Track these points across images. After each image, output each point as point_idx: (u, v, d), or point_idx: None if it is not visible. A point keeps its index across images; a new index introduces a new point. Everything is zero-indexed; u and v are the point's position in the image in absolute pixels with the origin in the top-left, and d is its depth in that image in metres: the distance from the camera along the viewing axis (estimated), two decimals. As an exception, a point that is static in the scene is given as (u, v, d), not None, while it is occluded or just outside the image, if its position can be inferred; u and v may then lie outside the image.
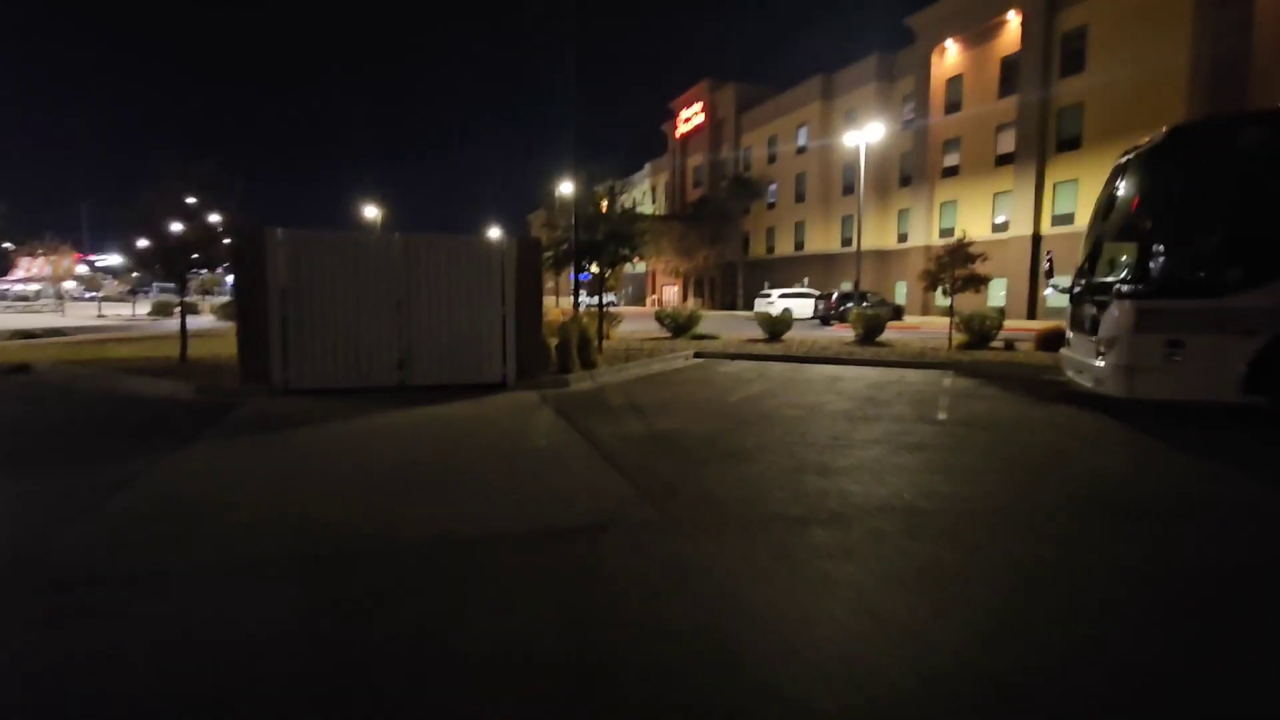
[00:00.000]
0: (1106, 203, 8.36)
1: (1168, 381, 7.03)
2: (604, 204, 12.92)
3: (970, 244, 14.01)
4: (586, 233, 12.70)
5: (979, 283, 13.72)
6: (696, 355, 13.90)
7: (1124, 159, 8.27)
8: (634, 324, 22.60)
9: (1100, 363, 7.49)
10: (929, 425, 7.00)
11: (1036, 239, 30.01)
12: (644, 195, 66.49)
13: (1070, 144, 29.14)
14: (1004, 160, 32.29)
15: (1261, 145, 6.82)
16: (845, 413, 7.64)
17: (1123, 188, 8.05)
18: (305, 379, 8.80)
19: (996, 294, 31.67)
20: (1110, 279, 7.63)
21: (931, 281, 14.22)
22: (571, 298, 18.17)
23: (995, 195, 32.83)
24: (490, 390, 9.16)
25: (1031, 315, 29.89)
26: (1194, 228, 7.01)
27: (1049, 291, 9.46)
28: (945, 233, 35.78)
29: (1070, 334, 8.88)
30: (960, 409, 7.95)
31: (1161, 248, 6.98)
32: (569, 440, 6.30)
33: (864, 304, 28.38)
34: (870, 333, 16.19)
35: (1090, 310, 8.13)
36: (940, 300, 35.56)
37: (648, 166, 69.25)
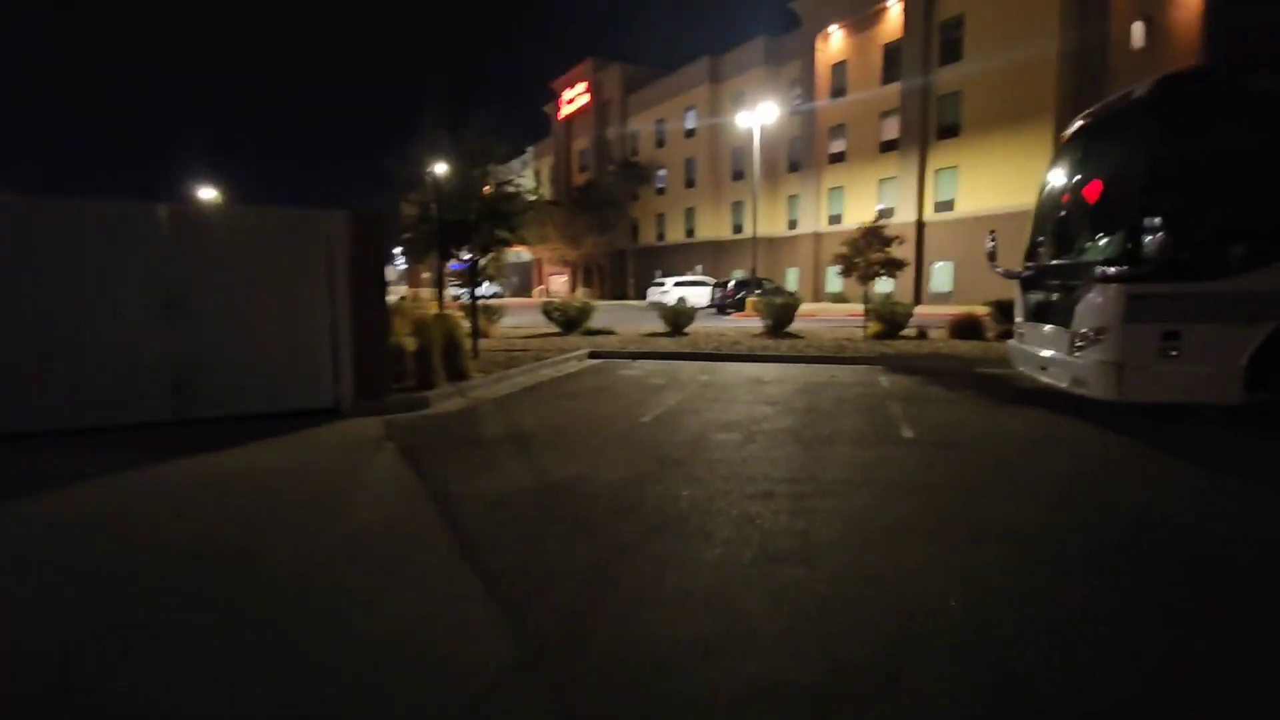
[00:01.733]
0: (1069, 172, 7.19)
1: (1162, 380, 5.86)
2: (484, 178, 10.53)
3: (884, 226, 13.00)
4: (456, 211, 10.28)
5: (896, 267, 12.72)
6: (592, 355, 11.90)
7: (1088, 120, 7.12)
8: (519, 317, 20.20)
9: (1078, 359, 6.25)
10: (900, 448, 5.42)
11: (920, 225, 30.50)
12: (528, 179, 63.35)
13: (950, 131, 29.75)
14: (889, 146, 32.64)
15: (1271, 94, 5.75)
16: (790, 433, 5.93)
17: (1091, 154, 6.88)
18: (15, 417, 5.92)
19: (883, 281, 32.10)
20: (1084, 259, 6.42)
21: (846, 266, 13.06)
22: (446, 290, 15.53)
23: (880, 181, 33.18)
24: (316, 419, 6.68)
25: (918, 301, 30.42)
26: (1195, 196, 5.85)
27: (1000, 271, 8.09)
28: (834, 219, 35.98)
29: (1023, 324, 7.71)
30: (920, 420, 6.48)
31: (1156, 221, 5.78)
32: (411, 513, 4.10)
33: (759, 292, 27.59)
34: (780, 323, 14.90)
35: (1055, 297, 6.94)
36: (831, 287, 35.81)
37: (531, 150, 65.96)
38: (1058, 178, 7.50)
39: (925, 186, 30.72)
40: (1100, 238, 6.34)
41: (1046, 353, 6.91)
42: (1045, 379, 6.94)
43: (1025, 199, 26.94)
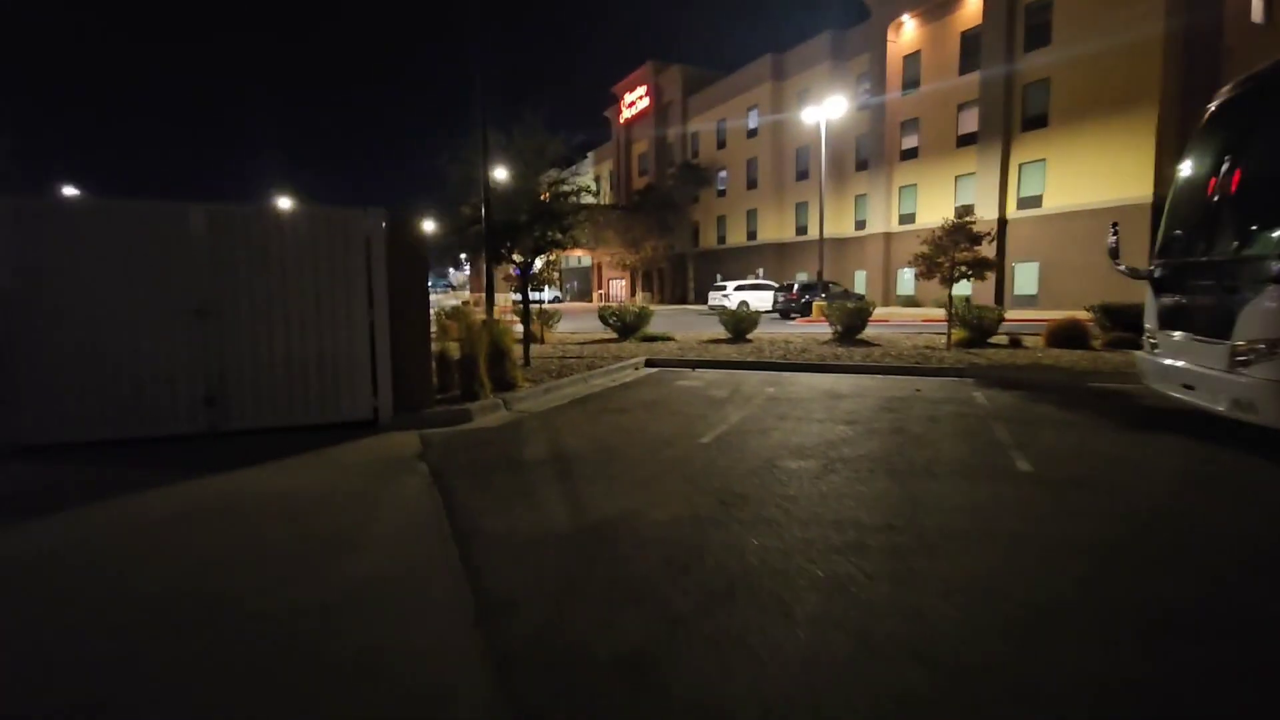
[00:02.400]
0: (1216, 153, 5.98)
1: (1359, 406, 4.68)
2: (536, 178, 9.98)
3: (971, 221, 11.77)
4: (506, 212, 9.76)
5: (985, 268, 11.47)
6: (648, 363, 11.18)
7: (1242, 89, 5.93)
8: (575, 322, 19.74)
9: (1242, 376, 5.10)
10: (1018, 485, 4.45)
11: (1002, 223, 28.42)
12: (587, 180, 63.41)
13: (1037, 122, 27.62)
14: (966, 141, 30.65)
15: None
16: (878, 462, 5.03)
17: (1254, 129, 5.68)
18: (50, 428, 5.67)
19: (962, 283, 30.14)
20: (1248, 253, 5.24)
21: (928, 267, 11.88)
22: (504, 295, 15.11)
23: (957, 178, 31.19)
24: (352, 432, 6.20)
25: (1000, 304, 28.35)
26: None
27: (1124, 270, 6.86)
28: (905, 218, 34.15)
29: (1156, 332, 6.52)
30: (1035, 447, 5.45)
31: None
32: (428, 558, 3.46)
33: (824, 295, 26.29)
34: (851, 329, 13.80)
35: (1205, 300, 5.77)
36: (903, 289, 33.96)
37: (591, 155, 66.07)
38: (1201, 160, 6.30)
39: (1008, 181, 28.63)
40: (1270, 228, 5.16)
41: (1193, 368, 5.75)
42: (1190, 399, 5.77)
43: (1126, 192, 24.78)
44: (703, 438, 5.91)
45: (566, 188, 10.02)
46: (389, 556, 3.48)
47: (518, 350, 9.65)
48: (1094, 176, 25.31)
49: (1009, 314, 18.54)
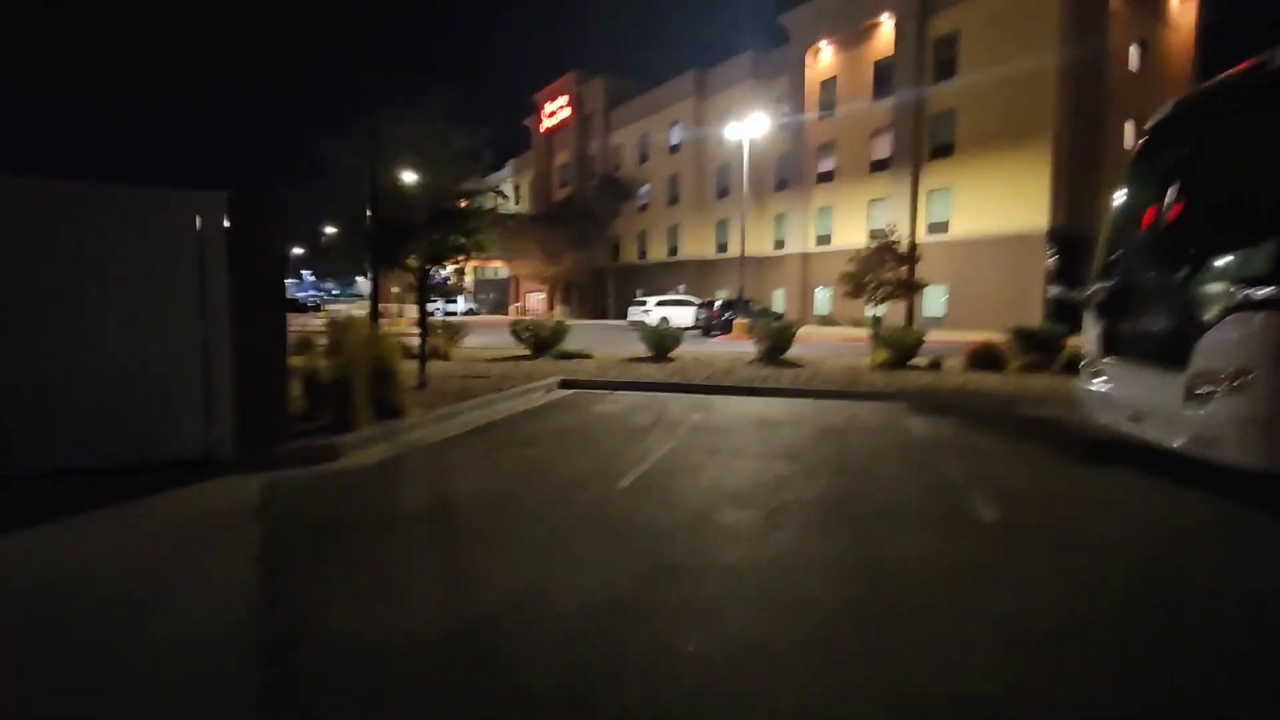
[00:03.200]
0: (1162, 169, 5.70)
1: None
2: (436, 174, 8.80)
3: (897, 242, 11.57)
4: (404, 210, 8.54)
5: (914, 288, 11.24)
6: (563, 384, 10.17)
7: (1192, 103, 5.68)
8: (487, 336, 18.38)
9: (1201, 412, 4.69)
10: (990, 541, 3.78)
11: (913, 248, 29.28)
12: (499, 187, 61.71)
13: (944, 150, 28.77)
14: (879, 166, 31.60)
15: None
16: (828, 509, 4.26)
17: (1203, 144, 5.41)
18: None
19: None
20: (1204, 276, 4.89)
21: (855, 288, 11.55)
22: (398, 306, 13.61)
23: (870, 202, 32.08)
24: (181, 476, 4.86)
25: (910, 325, 29.19)
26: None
27: (1060, 293, 6.51)
28: (822, 239, 34.83)
29: (1098, 360, 6.16)
30: (992, 488, 4.85)
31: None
32: (222, 687, 2.33)
33: (752, 314, 26.15)
34: (777, 349, 13.30)
35: (1156, 326, 5.41)
36: (819, 309, 34.52)
37: (511, 163, 64.51)
38: (1141, 181, 6.04)
39: (918, 207, 29.65)
40: (1226, 252, 4.82)
41: (1142, 400, 5.36)
42: (1138, 433, 5.37)
43: (1025, 221, 26.04)
44: (621, 479, 4.98)
45: (471, 186, 8.90)
46: (160, 689, 2.33)
47: (412, 368, 8.43)
48: (997, 204, 26.51)
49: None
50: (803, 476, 5.09)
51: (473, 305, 59.27)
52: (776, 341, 13.23)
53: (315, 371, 6.56)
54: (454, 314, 45.91)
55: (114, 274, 4.87)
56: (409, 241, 8.53)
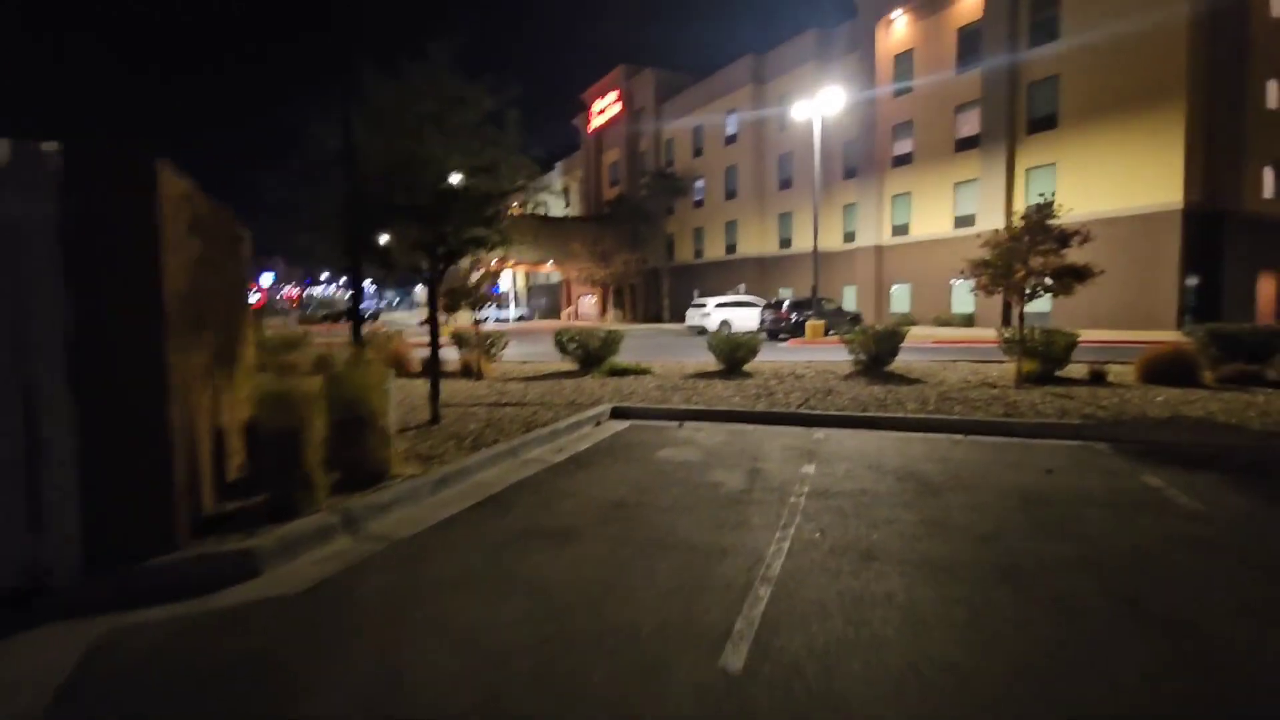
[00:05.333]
0: None
1: None
2: (456, 158, 6.67)
3: (1054, 217, 8.86)
4: (402, 191, 6.44)
5: (1078, 278, 8.51)
6: (616, 413, 7.90)
7: None
8: (533, 345, 16.32)
9: None
10: None
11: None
12: (556, 198, 60.13)
13: (1045, 123, 25.21)
14: (966, 144, 28.17)
15: None
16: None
17: None
18: None
19: (964, 299, 27.49)
20: None
21: (990, 280, 8.90)
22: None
23: (956, 185, 28.66)
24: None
25: (1005, 322, 25.74)
26: None
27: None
28: (898, 230, 31.57)
29: None
30: None
31: None
32: None
33: (820, 313, 23.39)
34: (879, 358, 10.71)
35: None
36: (897, 306, 31.25)
37: (559, 166, 63.03)
38: None
39: (1014, 188, 26.15)
40: None
41: None
42: None
43: (1150, 198, 22.23)
44: (724, 646, 2.63)
45: (489, 160, 6.65)
46: None
47: (422, 405, 6.33)
48: (1113, 181, 22.88)
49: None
50: (1043, 625, 2.61)
51: (524, 311, 58.02)
52: (880, 349, 10.63)
53: (259, 423, 4.48)
54: (505, 320, 44.51)
55: None
56: (407, 230, 6.41)
